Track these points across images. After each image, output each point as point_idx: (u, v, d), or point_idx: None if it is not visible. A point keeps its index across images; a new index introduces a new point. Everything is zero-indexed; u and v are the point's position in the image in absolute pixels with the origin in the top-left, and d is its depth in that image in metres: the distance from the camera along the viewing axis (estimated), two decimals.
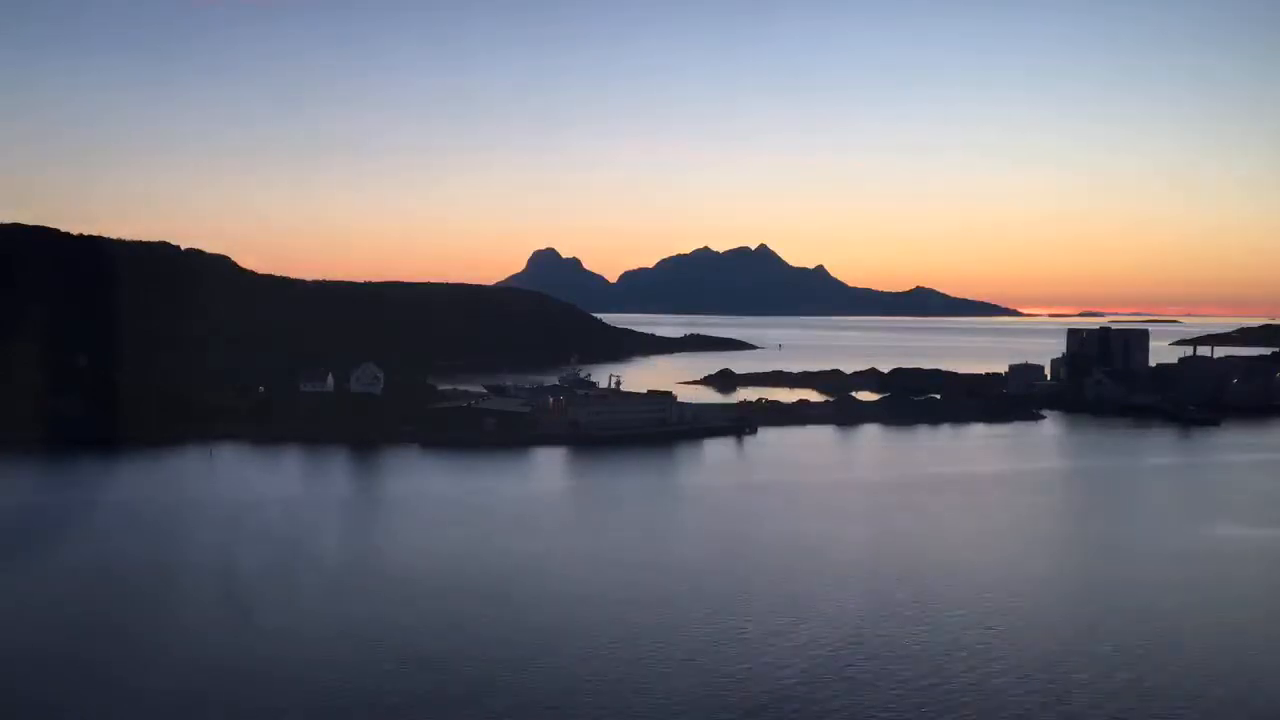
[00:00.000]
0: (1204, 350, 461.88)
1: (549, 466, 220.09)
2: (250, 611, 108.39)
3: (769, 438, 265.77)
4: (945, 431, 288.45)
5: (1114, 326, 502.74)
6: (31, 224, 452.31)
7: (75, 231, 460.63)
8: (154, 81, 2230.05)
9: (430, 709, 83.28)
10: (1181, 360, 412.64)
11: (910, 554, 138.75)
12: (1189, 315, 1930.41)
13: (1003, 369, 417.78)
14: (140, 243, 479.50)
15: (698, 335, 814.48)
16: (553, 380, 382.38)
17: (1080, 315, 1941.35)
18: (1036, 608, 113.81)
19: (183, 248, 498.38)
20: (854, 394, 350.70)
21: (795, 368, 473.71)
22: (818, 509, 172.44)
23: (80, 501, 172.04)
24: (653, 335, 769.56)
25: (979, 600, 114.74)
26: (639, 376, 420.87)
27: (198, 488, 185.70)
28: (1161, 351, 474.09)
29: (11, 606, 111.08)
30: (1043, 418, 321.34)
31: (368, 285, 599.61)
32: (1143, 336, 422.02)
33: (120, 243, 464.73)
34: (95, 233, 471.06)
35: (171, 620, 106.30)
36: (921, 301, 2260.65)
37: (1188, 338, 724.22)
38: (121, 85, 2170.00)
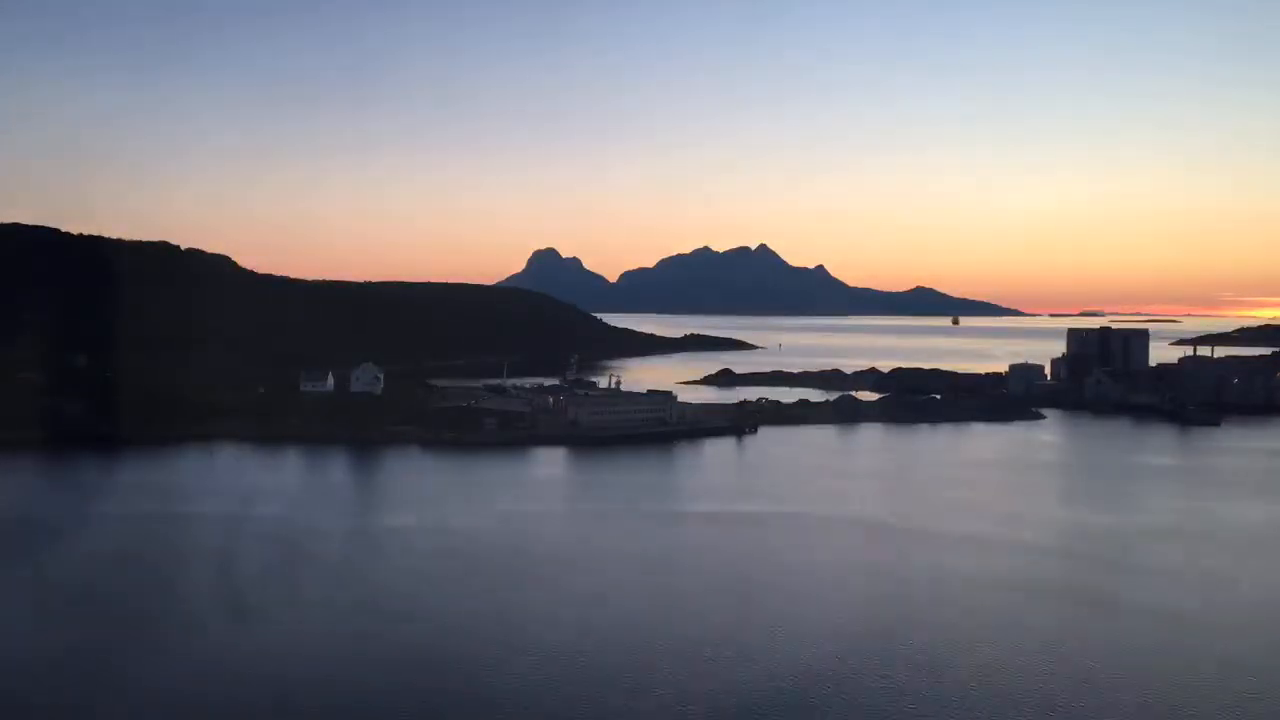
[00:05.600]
0: (1204, 350, 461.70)
1: (548, 467, 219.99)
2: (246, 614, 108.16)
3: (769, 438, 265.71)
4: (945, 431, 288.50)
5: (1114, 326, 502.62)
6: (32, 224, 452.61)
7: (75, 231, 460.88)
8: (154, 81, 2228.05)
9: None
10: (1182, 360, 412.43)
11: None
12: (1189, 315, 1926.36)
13: (1003, 369, 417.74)
14: (140, 242, 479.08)
15: (698, 335, 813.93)
16: (553, 380, 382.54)
17: (1080, 315, 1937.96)
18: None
19: (183, 248, 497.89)
20: (854, 394, 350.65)
21: (795, 368, 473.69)
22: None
23: (80, 501, 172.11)
24: (653, 335, 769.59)
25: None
26: (639, 376, 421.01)
27: (197, 487, 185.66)
28: (1162, 351, 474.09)
29: (8, 608, 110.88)
30: (1043, 417, 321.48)
31: (368, 285, 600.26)
32: (1143, 336, 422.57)
33: (120, 243, 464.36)
34: (95, 233, 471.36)
35: (168, 623, 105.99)
36: (922, 301, 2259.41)
37: (1188, 337, 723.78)
38: (121, 85, 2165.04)
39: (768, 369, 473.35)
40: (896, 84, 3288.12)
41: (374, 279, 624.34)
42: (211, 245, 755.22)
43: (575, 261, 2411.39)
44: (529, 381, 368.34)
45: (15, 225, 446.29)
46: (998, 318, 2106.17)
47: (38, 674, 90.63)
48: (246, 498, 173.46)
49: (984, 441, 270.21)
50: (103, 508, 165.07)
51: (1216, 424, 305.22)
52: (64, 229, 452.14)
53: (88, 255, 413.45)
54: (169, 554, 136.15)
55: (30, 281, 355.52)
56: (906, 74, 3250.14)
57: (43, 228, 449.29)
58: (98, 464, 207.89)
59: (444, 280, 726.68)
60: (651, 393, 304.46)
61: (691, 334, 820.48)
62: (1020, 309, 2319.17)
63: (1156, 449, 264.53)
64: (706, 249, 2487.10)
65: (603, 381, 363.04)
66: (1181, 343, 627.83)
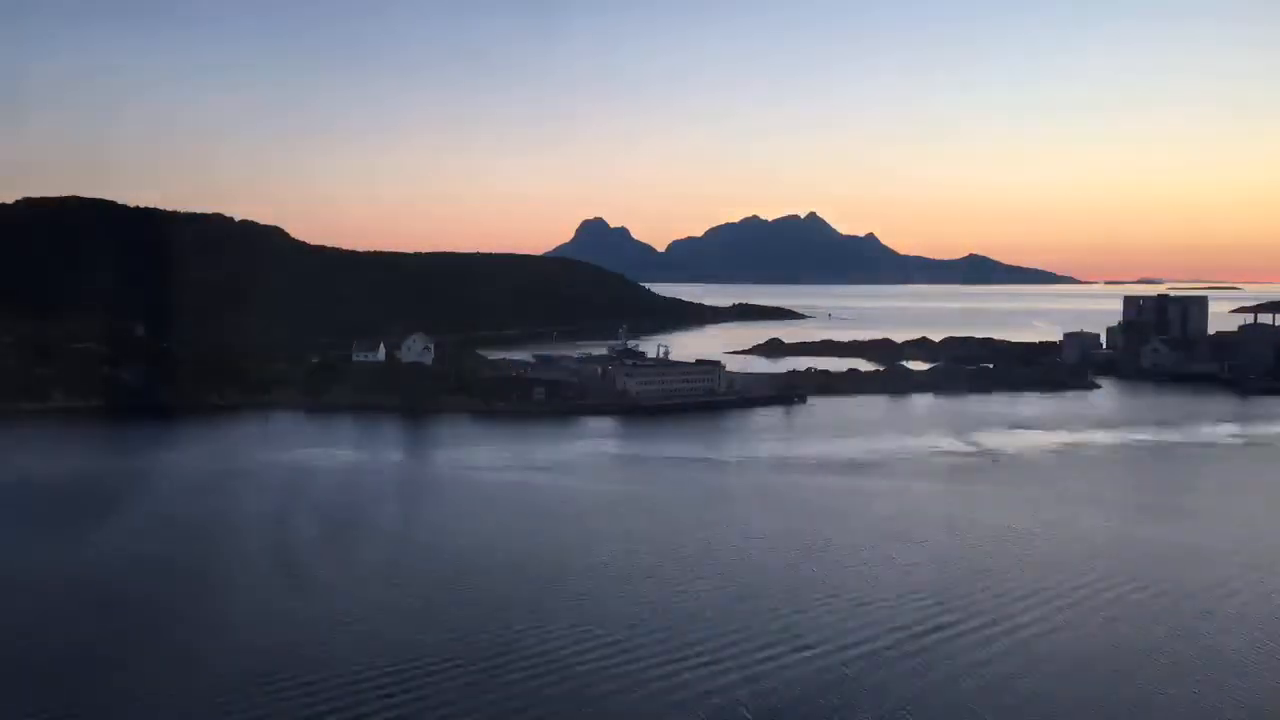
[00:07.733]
0: (1265, 317, 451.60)
1: (596, 437, 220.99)
2: (300, 581, 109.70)
3: (818, 407, 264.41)
4: (997, 400, 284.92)
5: (1172, 294, 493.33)
6: (90, 196, 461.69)
7: (132, 203, 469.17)
8: (207, 53, 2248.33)
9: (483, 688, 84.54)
10: (1242, 328, 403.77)
11: None
12: (1252, 282, 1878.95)
13: (1058, 337, 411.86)
14: (195, 214, 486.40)
15: (746, 305, 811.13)
16: (601, 350, 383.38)
17: (1138, 283, 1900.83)
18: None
19: (237, 219, 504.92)
20: (905, 363, 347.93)
21: (845, 337, 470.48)
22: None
23: (140, 467, 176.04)
24: (701, 305, 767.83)
25: None
26: (687, 346, 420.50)
27: (252, 454, 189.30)
28: (1221, 319, 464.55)
29: (71, 571, 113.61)
30: (1097, 387, 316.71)
31: (418, 256, 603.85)
32: (1201, 304, 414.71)
33: (175, 214, 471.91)
34: (151, 204, 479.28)
35: (224, 589, 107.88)
36: (975, 269, 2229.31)
37: (1249, 305, 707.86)
38: (174, 56, 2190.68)
39: (817, 338, 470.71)
40: (946, 49, 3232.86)
41: (424, 250, 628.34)
42: (263, 217, 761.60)
43: (623, 231, 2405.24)
44: (577, 351, 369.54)
45: (74, 198, 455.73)
46: (1053, 285, 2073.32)
47: (91, 639, 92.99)
48: (299, 465, 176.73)
49: (1035, 410, 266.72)
50: (160, 474, 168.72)
51: (1278, 393, 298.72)
52: (121, 201, 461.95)
53: (144, 226, 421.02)
54: (228, 516, 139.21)
55: (89, 252, 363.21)
56: (956, 39, 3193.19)
57: (100, 200, 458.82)
58: (156, 431, 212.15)
59: (493, 251, 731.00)
60: (700, 362, 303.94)
61: (740, 303, 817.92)
62: (1075, 276, 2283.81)
63: (1213, 419, 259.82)
64: (755, 217, 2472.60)
65: (651, 351, 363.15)
66: (1242, 309, 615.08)
